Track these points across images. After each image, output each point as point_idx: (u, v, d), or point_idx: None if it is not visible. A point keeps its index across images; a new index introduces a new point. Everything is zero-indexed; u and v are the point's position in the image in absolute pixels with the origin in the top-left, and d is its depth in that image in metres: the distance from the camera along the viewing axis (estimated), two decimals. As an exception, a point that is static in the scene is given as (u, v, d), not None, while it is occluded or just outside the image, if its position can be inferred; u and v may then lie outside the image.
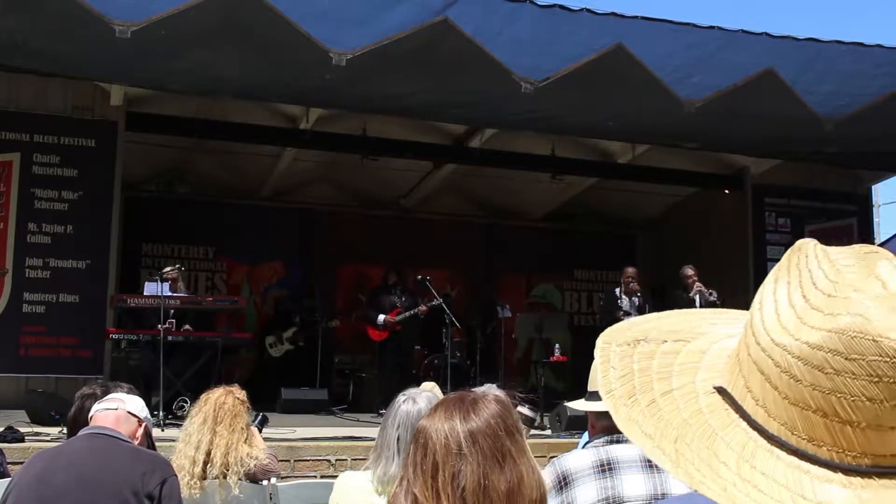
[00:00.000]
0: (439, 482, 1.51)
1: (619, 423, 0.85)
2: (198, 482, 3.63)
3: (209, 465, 3.66)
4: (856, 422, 0.73)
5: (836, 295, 0.75)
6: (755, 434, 0.78)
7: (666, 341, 0.91)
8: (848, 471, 0.74)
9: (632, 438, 0.83)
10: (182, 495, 3.58)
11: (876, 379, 0.72)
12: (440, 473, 1.52)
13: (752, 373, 0.79)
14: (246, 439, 3.80)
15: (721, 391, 0.83)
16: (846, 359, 0.72)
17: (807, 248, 0.81)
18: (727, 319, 0.94)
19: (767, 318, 0.78)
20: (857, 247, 0.82)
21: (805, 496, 0.74)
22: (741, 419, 0.80)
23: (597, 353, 0.92)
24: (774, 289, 0.80)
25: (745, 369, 0.80)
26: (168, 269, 8.20)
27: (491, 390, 1.75)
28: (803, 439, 0.76)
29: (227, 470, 3.67)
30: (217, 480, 3.67)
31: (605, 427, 2.67)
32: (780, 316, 0.77)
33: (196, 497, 3.62)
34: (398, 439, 2.55)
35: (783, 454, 0.76)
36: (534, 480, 1.56)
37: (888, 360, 0.71)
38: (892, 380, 0.72)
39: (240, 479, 3.70)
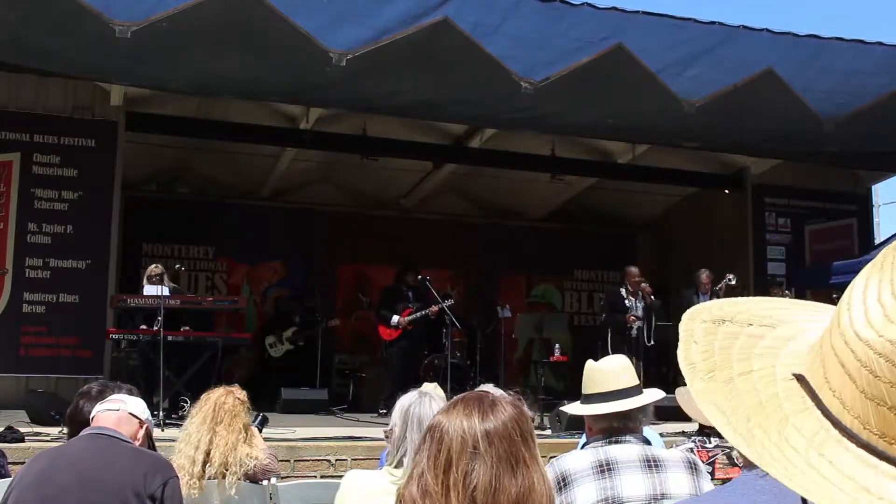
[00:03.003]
0: (451, 478, 1.51)
1: (695, 395, 0.86)
2: (197, 482, 3.63)
3: (208, 464, 3.66)
4: None
5: None
6: (827, 424, 0.78)
7: (752, 324, 0.91)
8: None
9: (705, 411, 0.83)
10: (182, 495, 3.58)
11: None
12: (453, 469, 1.52)
13: (832, 364, 0.79)
14: (246, 439, 3.80)
15: (800, 378, 0.83)
16: None
17: None
18: (819, 310, 0.94)
19: (855, 312, 0.78)
20: None
21: (869, 489, 0.74)
22: (816, 407, 0.80)
23: (681, 327, 0.93)
24: (866, 284, 0.80)
25: (827, 360, 0.80)
26: (151, 266, 8.24)
27: (492, 391, 1.74)
28: (875, 434, 0.75)
29: (227, 470, 3.67)
30: (216, 480, 3.67)
31: (602, 429, 2.67)
32: (868, 311, 0.77)
33: (195, 497, 3.62)
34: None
35: (852, 446, 0.76)
36: (544, 490, 1.55)
37: None
38: None
39: (239, 479, 3.70)
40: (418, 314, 9.69)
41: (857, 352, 0.76)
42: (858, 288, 0.80)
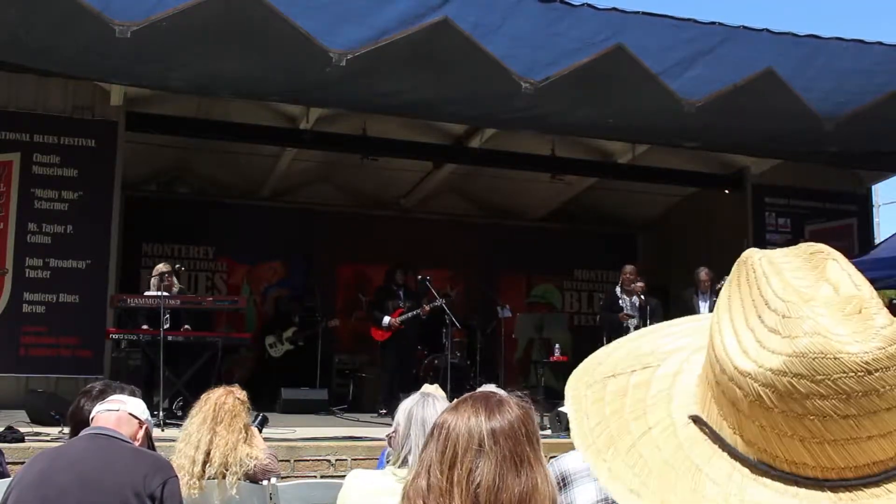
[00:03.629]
0: (455, 475, 1.51)
1: (602, 481, 0.83)
2: (197, 482, 3.63)
3: (208, 464, 3.66)
4: (833, 440, 0.72)
5: (790, 315, 0.74)
6: (737, 464, 0.77)
7: (634, 370, 0.89)
8: (835, 487, 0.73)
9: (617, 498, 0.80)
10: (182, 495, 3.58)
11: (845, 396, 0.71)
12: (458, 466, 1.52)
13: (722, 401, 0.78)
14: (246, 439, 3.80)
15: (697, 420, 0.81)
16: (812, 381, 0.71)
17: (753, 262, 0.80)
18: (694, 329, 0.92)
19: (728, 343, 0.77)
20: (802, 247, 0.81)
21: None
22: (722, 450, 0.78)
23: (568, 401, 0.90)
24: (729, 307, 0.79)
25: (717, 396, 0.78)
26: (161, 266, 8.24)
27: (499, 392, 1.75)
28: (785, 462, 0.75)
29: (227, 470, 3.67)
30: (216, 480, 3.67)
31: None
32: (740, 340, 0.76)
33: (195, 497, 3.61)
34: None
35: (769, 481, 0.75)
36: (547, 491, 1.55)
37: (853, 374, 0.71)
38: (861, 393, 0.71)
39: (239, 480, 3.69)
40: (409, 314, 9.68)
41: (742, 388, 0.74)
42: (723, 313, 0.79)
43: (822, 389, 0.71)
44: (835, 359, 0.71)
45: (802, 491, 0.74)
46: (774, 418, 0.73)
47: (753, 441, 0.76)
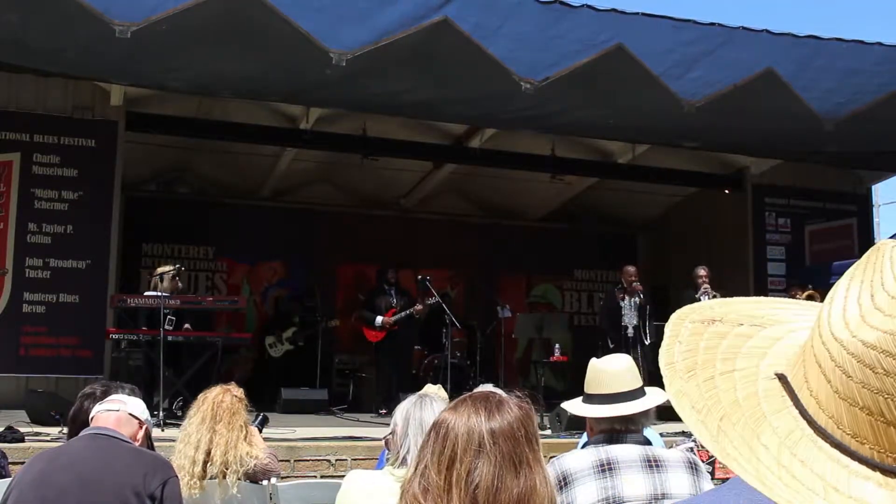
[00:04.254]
0: (454, 475, 1.51)
1: (671, 395, 0.86)
2: (198, 482, 3.63)
3: (209, 463, 3.66)
4: None
5: None
6: (803, 423, 0.79)
7: (742, 324, 0.92)
8: (886, 471, 0.75)
9: (679, 411, 0.84)
10: (182, 495, 3.58)
11: None
12: (456, 466, 1.51)
13: (811, 364, 0.80)
14: (245, 437, 3.80)
15: (781, 378, 0.83)
16: None
17: (885, 249, 0.81)
18: (807, 311, 0.95)
19: (834, 314, 0.79)
20: None
21: (839, 489, 0.75)
22: (794, 407, 0.81)
23: (668, 326, 0.93)
24: (848, 285, 0.81)
25: (807, 360, 0.81)
26: (168, 269, 8.22)
27: (498, 392, 1.74)
28: (847, 434, 0.76)
29: (227, 468, 3.67)
30: (217, 480, 3.67)
31: (604, 430, 2.66)
32: (846, 312, 0.78)
33: (196, 497, 3.61)
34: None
35: (826, 446, 0.77)
36: (546, 492, 1.55)
37: None
38: None
39: (239, 479, 3.69)
40: (402, 314, 9.68)
41: (831, 352, 0.77)
42: (840, 289, 0.81)
43: None
44: None
45: (854, 464, 0.75)
46: (851, 388, 0.75)
47: (825, 407, 0.78)
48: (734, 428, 0.81)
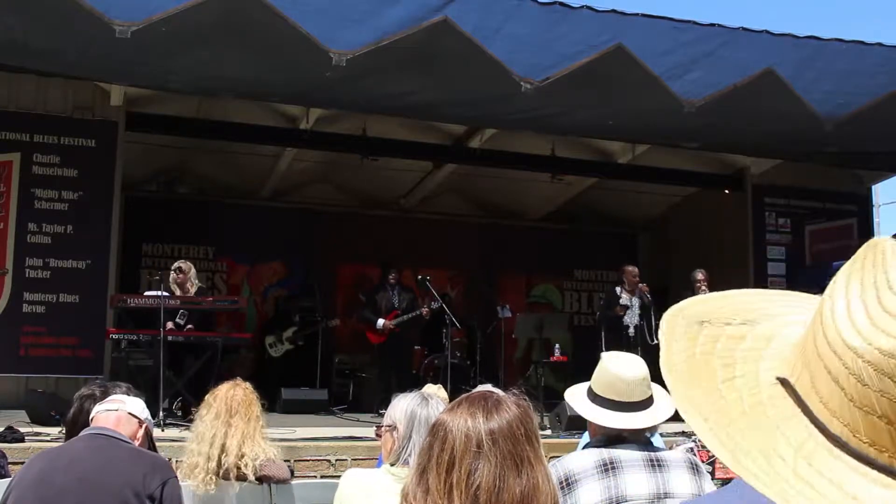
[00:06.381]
0: (454, 478, 1.50)
1: (677, 401, 0.84)
2: (213, 478, 3.60)
3: (224, 455, 3.62)
4: None
5: None
6: (816, 432, 0.77)
7: (731, 323, 0.90)
8: None
9: (687, 419, 0.82)
10: (198, 493, 3.57)
11: None
12: (456, 469, 1.51)
13: (818, 370, 0.78)
14: (262, 427, 3.78)
15: (784, 383, 0.81)
16: None
17: (884, 246, 0.79)
18: (796, 302, 0.93)
19: (839, 316, 0.77)
20: None
21: (858, 497, 0.73)
22: (803, 414, 0.79)
23: (662, 326, 0.92)
24: (847, 284, 0.79)
25: (812, 364, 0.79)
26: (182, 264, 8.27)
27: (496, 391, 1.74)
28: (865, 442, 0.75)
29: (241, 461, 3.64)
30: (232, 471, 3.64)
31: (607, 431, 2.64)
32: (852, 315, 0.76)
33: (212, 493, 3.60)
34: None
35: (843, 455, 0.75)
36: (548, 490, 1.55)
37: None
38: None
39: (256, 470, 3.66)
40: (406, 317, 9.67)
41: (845, 360, 0.75)
42: (839, 289, 0.79)
43: None
44: None
45: (873, 472, 0.74)
46: (868, 396, 0.73)
47: (839, 415, 0.76)
48: (747, 439, 0.79)
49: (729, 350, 0.87)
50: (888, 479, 0.73)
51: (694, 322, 0.91)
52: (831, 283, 0.82)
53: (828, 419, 0.77)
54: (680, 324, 0.91)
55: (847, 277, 0.80)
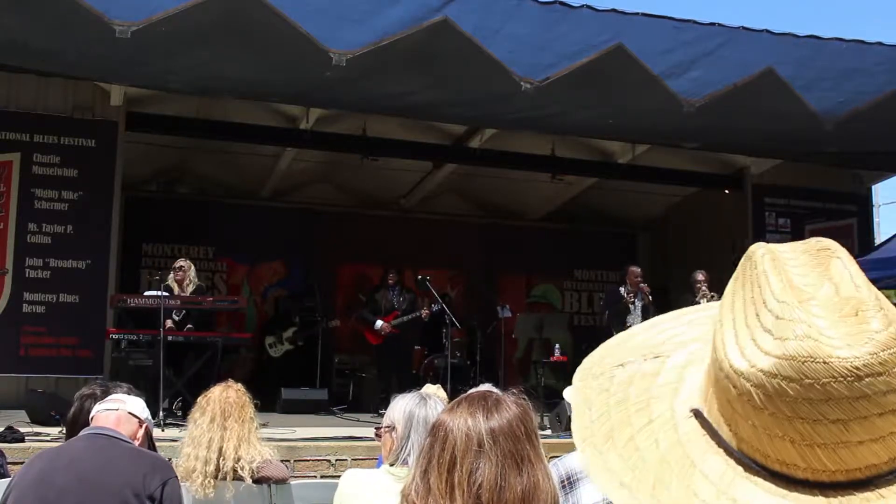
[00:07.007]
0: (455, 477, 1.50)
1: (594, 475, 0.81)
2: (211, 481, 3.60)
3: (222, 459, 3.62)
4: (823, 443, 0.71)
5: (783, 317, 0.73)
6: (732, 462, 0.76)
7: (645, 359, 0.88)
8: (826, 489, 0.72)
9: (607, 492, 0.79)
10: (197, 496, 3.56)
11: (834, 401, 0.70)
12: (457, 468, 1.51)
13: (720, 397, 0.77)
14: (257, 428, 3.78)
15: (697, 414, 0.80)
16: (800, 385, 0.70)
17: (756, 258, 0.78)
18: (710, 318, 0.89)
19: (727, 340, 0.76)
20: (811, 242, 0.79)
21: None
22: (718, 446, 0.77)
23: (572, 391, 0.89)
24: (732, 303, 0.78)
25: (716, 392, 0.77)
26: (182, 262, 8.29)
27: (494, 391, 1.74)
28: (777, 462, 0.74)
29: (238, 463, 3.64)
30: (229, 475, 3.64)
31: None
32: (738, 337, 0.75)
33: (211, 497, 3.59)
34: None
35: (760, 481, 0.74)
36: (549, 487, 1.55)
37: (842, 380, 0.69)
38: (850, 398, 0.70)
39: (252, 472, 3.66)
40: (405, 318, 9.66)
41: (736, 385, 0.74)
42: (726, 309, 0.78)
43: (810, 394, 0.70)
44: (824, 363, 0.70)
45: (793, 493, 0.73)
46: (765, 419, 0.73)
47: (747, 440, 0.75)
48: (669, 492, 0.76)
49: (644, 391, 0.85)
50: (810, 498, 0.72)
51: (607, 372, 0.89)
52: (720, 305, 0.80)
53: (739, 447, 0.76)
54: (592, 386, 0.88)
55: (731, 295, 0.78)
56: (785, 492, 0.73)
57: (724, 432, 0.77)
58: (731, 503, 0.74)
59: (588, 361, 0.92)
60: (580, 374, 0.91)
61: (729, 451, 0.76)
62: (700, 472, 0.77)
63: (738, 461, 0.76)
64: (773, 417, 0.72)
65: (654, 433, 0.81)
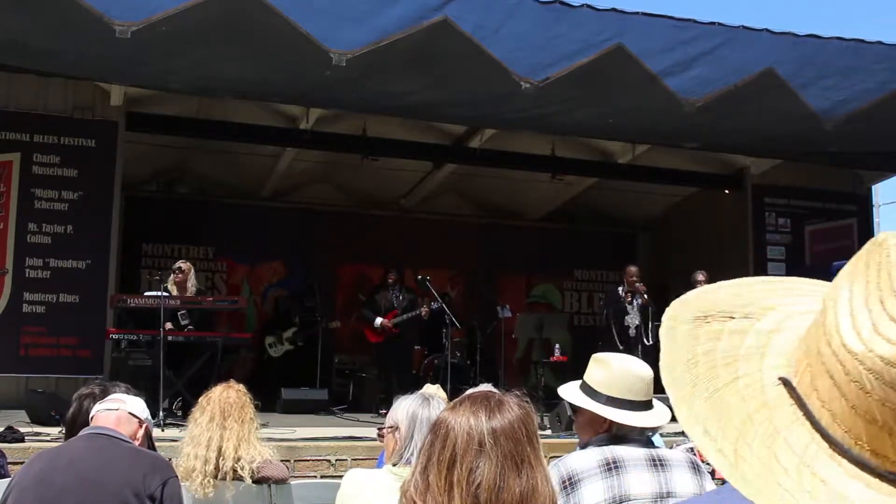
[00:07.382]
0: (455, 475, 1.51)
1: (681, 421, 0.82)
2: (211, 481, 3.60)
3: (221, 458, 3.62)
4: None
5: None
6: (818, 437, 0.75)
7: (733, 317, 0.87)
8: None
9: (693, 438, 0.80)
10: (197, 496, 3.56)
11: None
12: (457, 466, 1.51)
13: (820, 372, 0.76)
14: (257, 429, 3.78)
15: (786, 384, 0.79)
16: None
17: (888, 246, 0.76)
18: (797, 290, 0.90)
19: (842, 321, 0.75)
20: None
21: None
22: (805, 418, 0.77)
23: (662, 331, 0.89)
24: (851, 284, 0.77)
25: (814, 367, 0.77)
26: (182, 264, 8.28)
27: (490, 389, 1.74)
28: (866, 450, 0.73)
29: (238, 463, 3.64)
30: (229, 475, 3.64)
31: (609, 430, 2.63)
32: (855, 319, 0.74)
33: (211, 496, 3.59)
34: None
35: (844, 462, 0.74)
36: (547, 491, 1.55)
37: None
38: None
39: (253, 472, 3.66)
40: (405, 317, 9.66)
41: (846, 365, 0.73)
42: (843, 290, 0.77)
43: None
44: None
45: (875, 481, 0.72)
46: (869, 404, 0.72)
47: (840, 421, 0.74)
48: (751, 450, 0.77)
49: (731, 349, 0.85)
50: (889, 487, 0.72)
51: (696, 319, 0.88)
52: (833, 284, 0.79)
53: (829, 423, 0.75)
54: (681, 326, 0.88)
55: (851, 278, 0.77)
56: (868, 477, 0.72)
57: (814, 406, 0.76)
58: (812, 476, 0.74)
59: (679, 302, 0.92)
60: (670, 311, 0.91)
61: (816, 426, 0.76)
62: (784, 440, 0.77)
63: (825, 437, 0.75)
64: (878, 404, 0.71)
65: (741, 392, 0.81)
